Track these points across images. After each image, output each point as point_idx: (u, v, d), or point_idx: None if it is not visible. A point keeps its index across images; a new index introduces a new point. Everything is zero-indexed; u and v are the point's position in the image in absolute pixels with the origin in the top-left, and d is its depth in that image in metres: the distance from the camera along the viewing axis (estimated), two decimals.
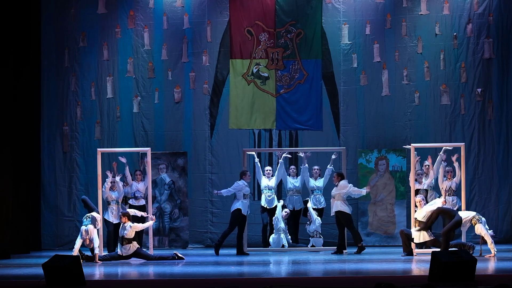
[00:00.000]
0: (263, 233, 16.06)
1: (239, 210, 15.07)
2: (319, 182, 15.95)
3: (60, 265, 10.72)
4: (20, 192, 16.11)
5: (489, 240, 13.78)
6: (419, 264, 13.20)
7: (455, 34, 17.19)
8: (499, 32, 17.13)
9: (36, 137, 17.11)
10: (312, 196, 15.95)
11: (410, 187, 15.18)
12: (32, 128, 16.94)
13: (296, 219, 16.14)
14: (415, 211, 14.34)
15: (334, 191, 15.21)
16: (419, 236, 14.14)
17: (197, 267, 13.37)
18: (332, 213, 15.26)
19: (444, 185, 14.97)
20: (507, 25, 17.14)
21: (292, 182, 16.06)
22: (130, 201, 15.50)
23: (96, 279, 11.91)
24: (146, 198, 15.41)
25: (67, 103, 17.38)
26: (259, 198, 16.29)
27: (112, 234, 15.07)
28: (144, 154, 15.92)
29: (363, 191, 15.28)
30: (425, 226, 14.09)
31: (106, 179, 15.03)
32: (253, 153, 16.10)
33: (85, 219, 14.07)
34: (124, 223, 14.15)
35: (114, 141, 17.22)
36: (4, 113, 15.40)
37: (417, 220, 14.18)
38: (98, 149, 15.57)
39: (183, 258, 14.12)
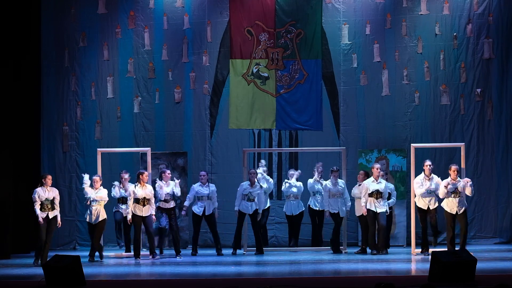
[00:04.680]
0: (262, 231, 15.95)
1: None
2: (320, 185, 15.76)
3: (60, 265, 10.73)
4: (20, 192, 16.11)
5: None
6: (419, 264, 13.21)
7: (455, 34, 17.20)
8: (499, 32, 17.14)
9: (36, 137, 17.11)
10: (312, 197, 15.83)
11: (410, 187, 15.18)
12: (32, 128, 16.94)
13: (295, 224, 16.01)
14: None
15: (357, 191, 15.21)
16: None
17: (197, 267, 13.39)
18: (359, 213, 15.17)
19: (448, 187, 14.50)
20: (507, 25, 17.14)
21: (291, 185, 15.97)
22: (159, 204, 15.24)
23: (96, 279, 11.92)
24: (173, 199, 15.23)
25: (67, 103, 17.39)
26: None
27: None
28: (144, 154, 15.91)
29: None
30: None
31: (114, 184, 15.16)
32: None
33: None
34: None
35: (114, 141, 17.22)
36: (4, 113, 15.41)
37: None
38: (98, 149, 15.62)
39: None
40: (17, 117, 16.00)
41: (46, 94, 17.35)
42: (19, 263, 14.15)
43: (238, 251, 15.45)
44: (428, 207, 14.55)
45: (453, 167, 14.43)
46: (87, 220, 14.59)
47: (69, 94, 17.41)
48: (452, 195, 14.28)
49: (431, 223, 14.67)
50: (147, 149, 15.66)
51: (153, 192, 14.75)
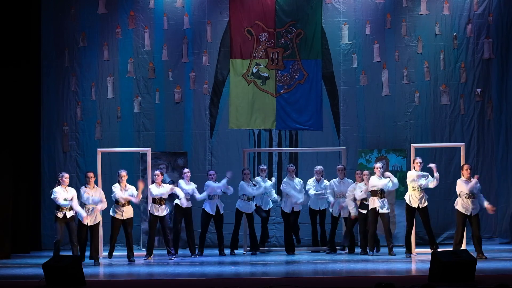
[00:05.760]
0: (262, 227, 15.87)
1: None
2: (321, 183, 15.69)
3: (60, 265, 10.74)
4: (20, 192, 16.12)
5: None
6: (419, 264, 13.22)
7: (455, 34, 17.21)
8: (498, 32, 17.14)
9: (36, 137, 17.11)
10: (312, 198, 15.74)
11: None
12: (32, 128, 16.94)
13: (294, 221, 15.90)
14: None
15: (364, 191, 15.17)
16: None
17: (197, 267, 13.39)
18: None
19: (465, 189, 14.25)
20: (507, 25, 17.15)
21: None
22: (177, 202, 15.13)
23: (96, 279, 11.92)
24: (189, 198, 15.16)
25: (67, 103, 17.39)
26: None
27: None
28: (144, 154, 15.92)
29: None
30: None
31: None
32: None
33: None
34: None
35: (114, 141, 17.22)
36: (4, 113, 15.41)
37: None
38: (98, 149, 15.61)
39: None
40: (17, 117, 15.99)
41: (46, 94, 17.35)
42: (19, 263, 14.15)
43: (237, 251, 15.43)
44: (418, 206, 14.39)
45: (466, 166, 14.39)
46: (86, 223, 14.06)
47: (69, 94, 17.41)
48: (466, 196, 14.17)
49: (424, 225, 14.52)
50: (147, 149, 15.67)
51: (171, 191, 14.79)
